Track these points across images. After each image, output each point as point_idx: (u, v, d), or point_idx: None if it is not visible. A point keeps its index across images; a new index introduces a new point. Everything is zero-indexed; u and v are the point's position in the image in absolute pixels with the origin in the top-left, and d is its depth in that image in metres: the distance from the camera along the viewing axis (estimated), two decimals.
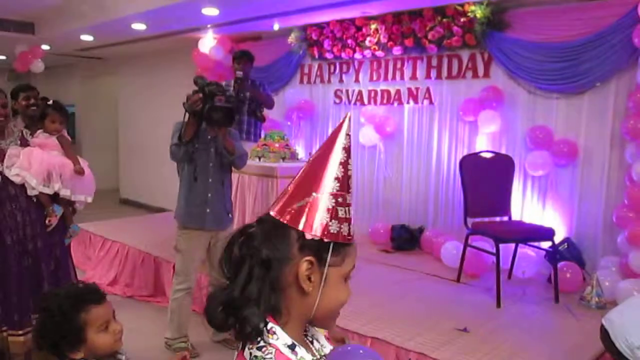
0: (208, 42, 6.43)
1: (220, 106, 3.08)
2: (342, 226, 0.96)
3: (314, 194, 0.95)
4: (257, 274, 0.94)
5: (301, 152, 5.49)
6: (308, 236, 0.94)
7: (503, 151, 4.50)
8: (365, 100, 5.58)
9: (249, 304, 0.92)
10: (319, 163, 0.98)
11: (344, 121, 1.00)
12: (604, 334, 2.29)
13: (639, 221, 3.59)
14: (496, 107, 4.56)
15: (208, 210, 3.32)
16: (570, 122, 4.24)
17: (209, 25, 5.97)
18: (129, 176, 9.41)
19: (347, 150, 0.98)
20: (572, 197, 4.26)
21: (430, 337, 3.05)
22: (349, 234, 0.97)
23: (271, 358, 0.91)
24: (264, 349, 0.92)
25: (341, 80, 5.81)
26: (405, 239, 5.02)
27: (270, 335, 0.93)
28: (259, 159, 4.46)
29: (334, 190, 0.95)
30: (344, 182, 0.97)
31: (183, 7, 5.02)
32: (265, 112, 5.28)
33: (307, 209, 0.95)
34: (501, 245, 3.74)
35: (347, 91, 5.76)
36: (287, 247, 0.94)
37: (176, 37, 6.57)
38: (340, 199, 0.96)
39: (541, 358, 2.83)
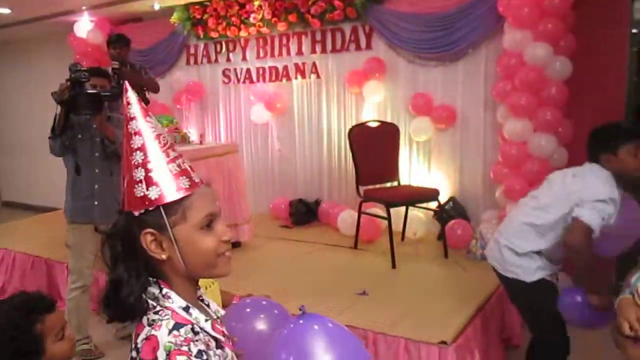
0: (84, 26, 6.06)
1: (87, 92, 2.93)
2: (163, 187, 1.00)
3: (127, 174, 1.01)
4: (126, 267, 1.02)
5: (194, 135, 5.39)
6: (135, 213, 1.00)
7: (388, 119, 4.69)
8: (254, 78, 5.56)
9: (125, 284, 1.00)
10: (125, 146, 1.03)
11: (125, 93, 1.04)
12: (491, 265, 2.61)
13: (513, 176, 3.91)
14: (379, 77, 4.73)
15: (96, 203, 3.19)
16: (447, 88, 4.49)
17: (83, 7, 5.62)
18: (10, 176, 8.71)
19: (135, 119, 1.02)
20: (454, 159, 4.55)
21: (332, 304, 3.16)
22: (178, 189, 1.01)
23: (168, 318, 0.99)
24: (160, 312, 1.00)
25: (229, 60, 5.73)
26: (303, 213, 5.13)
27: (165, 300, 1.02)
28: None
29: (140, 161, 1.00)
30: (147, 149, 1.00)
31: None
32: (152, 96, 5.10)
33: (127, 190, 1.02)
34: (392, 209, 3.94)
35: (235, 70, 5.70)
36: (129, 231, 1.01)
37: (49, 22, 6.12)
38: (149, 166, 1.00)
39: (434, 311, 3.03)
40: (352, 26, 4.87)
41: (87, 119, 3.07)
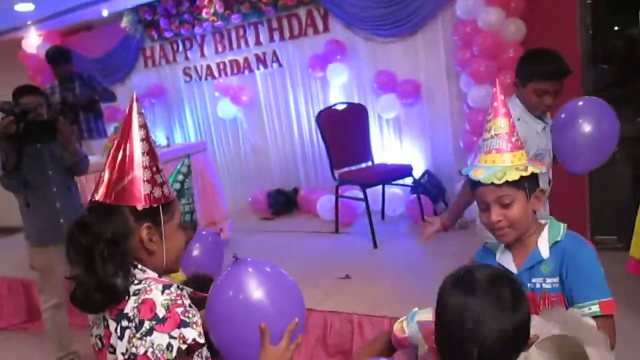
0: (33, 41, 5.88)
1: (38, 121, 2.86)
2: (163, 189, 1.16)
3: (130, 172, 1.11)
4: (108, 254, 1.09)
5: (161, 138, 5.30)
6: (140, 208, 1.11)
7: (355, 100, 4.67)
8: (216, 74, 5.48)
9: (114, 279, 1.08)
10: (124, 147, 1.13)
11: (132, 103, 1.15)
12: None
13: None
14: (341, 59, 4.69)
15: (62, 221, 3.07)
16: (409, 63, 4.45)
17: (28, 22, 5.45)
18: None
19: (144, 126, 1.14)
20: (424, 132, 4.54)
21: (316, 292, 3.15)
22: (170, 193, 1.19)
23: (154, 283, 1.10)
24: (143, 282, 1.11)
25: (187, 58, 5.64)
26: (283, 203, 5.10)
27: (143, 272, 1.14)
28: None
29: (146, 164, 1.13)
30: (151, 154, 1.14)
31: None
32: (105, 106, 5.03)
33: (128, 187, 1.11)
34: (370, 189, 3.92)
35: (195, 67, 5.61)
36: (125, 222, 1.12)
37: None
38: (154, 169, 1.14)
39: (418, 288, 3.00)
40: (307, 10, 4.81)
41: (38, 147, 2.98)
